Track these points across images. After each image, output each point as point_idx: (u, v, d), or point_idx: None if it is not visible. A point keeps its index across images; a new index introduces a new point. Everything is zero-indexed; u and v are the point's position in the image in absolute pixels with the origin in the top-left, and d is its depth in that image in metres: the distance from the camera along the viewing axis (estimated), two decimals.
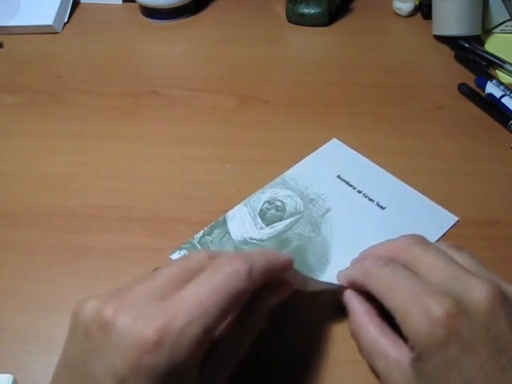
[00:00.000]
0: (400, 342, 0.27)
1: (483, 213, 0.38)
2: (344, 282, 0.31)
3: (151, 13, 0.61)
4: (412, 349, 0.25)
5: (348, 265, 0.32)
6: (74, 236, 0.38)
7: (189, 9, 0.61)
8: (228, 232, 0.37)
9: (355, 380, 0.30)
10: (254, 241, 0.37)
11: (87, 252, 0.37)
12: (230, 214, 0.38)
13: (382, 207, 0.38)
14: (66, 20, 0.61)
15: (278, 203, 0.39)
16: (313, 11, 0.58)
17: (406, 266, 0.28)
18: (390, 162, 0.42)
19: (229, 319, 0.27)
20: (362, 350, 0.29)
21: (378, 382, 0.28)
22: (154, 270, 0.28)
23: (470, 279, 0.25)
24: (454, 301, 0.24)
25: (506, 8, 0.55)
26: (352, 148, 0.43)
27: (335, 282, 0.32)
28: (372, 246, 0.32)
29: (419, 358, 0.24)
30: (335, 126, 0.46)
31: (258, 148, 0.44)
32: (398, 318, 0.25)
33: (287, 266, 0.28)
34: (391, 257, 0.29)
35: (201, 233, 0.37)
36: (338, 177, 0.40)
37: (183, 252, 0.36)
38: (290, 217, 0.38)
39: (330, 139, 0.44)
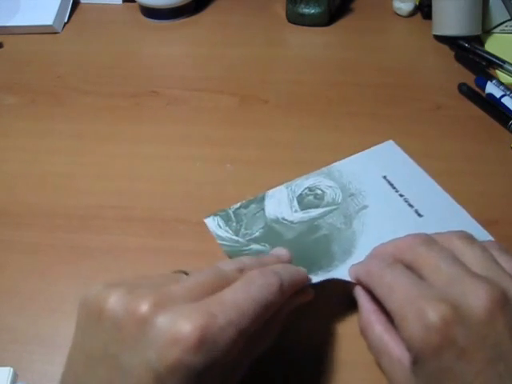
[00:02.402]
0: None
1: (483, 213, 0.38)
2: (353, 278, 0.31)
3: (151, 13, 0.61)
4: (409, 352, 0.25)
5: None
6: (74, 236, 0.38)
7: (189, 9, 0.61)
8: (263, 209, 0.38)
9: (360, 381, 0.30)
10: (286, 221, 0.37)
11: (87, 252, 0.37)
12: (269, 192, 0.39)
13: (419, 215, 0.37)
14: (65, 20, 0.61)
15: (318, 191, 0.39)
16: (313, 11, 0.58)
17: (411, 266, 0.27)
18: None
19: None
20: (369, 346, 0.29)
21: (384, 383, 0.28)
22: (175, 272, 0.28)
23: (470, 283, 0.25)
24: (451, 307, 0.23)
25: (506, 8, 0.55)
26: (406, 153, 0.42)
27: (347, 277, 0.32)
28: (382, 244, 0.31)
29: (416, 361, 0.24)
30: (335, 126, 0.46)
31: (258, 148, 0.44)
32: (396, 321, 0.25)
33: (305, 282, 0.30)
34: (396, 256, 0.29)
35: (238, 204, 0.39)
36: (384, 177, 0.40)
37: (217, 218, 0.38)
38: (326, 206, 0.38)
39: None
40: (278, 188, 0.40)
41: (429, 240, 0.28)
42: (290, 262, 0.31)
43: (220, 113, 0.48)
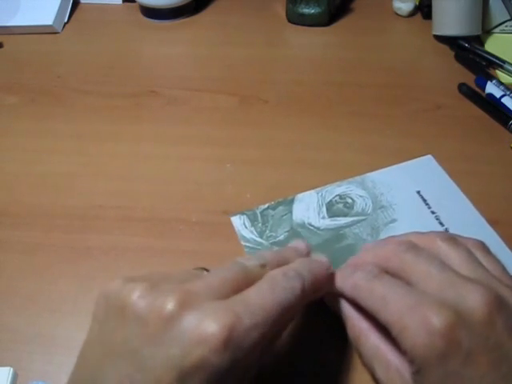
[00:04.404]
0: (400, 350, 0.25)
1: (483, 213, 0.38)
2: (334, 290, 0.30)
3: (151, 13, 0.61)
4: (411, 363, 0.24)
5: None
6: (74, 236, 0.38)
7: (189, 9, 0.61)
8: (291, 212, 0.38)
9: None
10: (312, 227, 0.37)
11: (87, 252, 0.37)
12: (299, 196, 0.39)
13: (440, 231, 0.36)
14: (65, 20, 0.61)
15: (349, 200, 0.39)
16: (313, 11, 0.57)
17: (397, 274, 0.27)
18: (389, 162, 0.42)
19: None
20: (362, 356, 0.28)
21: None
22: (196, 269, 0.28)
23: (465, 286, 0.24)
24: (452, 311, 0.23)
25: (506, 8, 0.55)
26: (444, 169, 0.41)
27: None
28: (360, 254, 0.30)
29: (419, 371, 0.23)
30: (335, 125, 0.46)
31: (258, 148, 0.44)
32: (395, 332, 0.24)
33: (326, 274, 0.28)
34: (381, 265, 0.28)
35: (266, 205, 0.39)
36: (418, 192, 0.39)
37: (243, 217, 0.38)
38: (355, 216, 0.38)
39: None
40: (308, 192, 0.39)
41: (413, 246, 0.28)
42: (308, 254, 0.30)
43: (220, 113, 0.48)
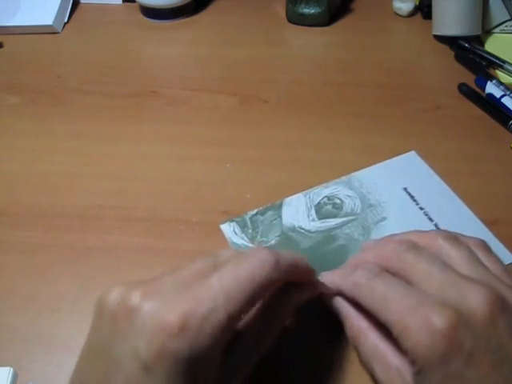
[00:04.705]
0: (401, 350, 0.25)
1: (483, 213, 0.38)
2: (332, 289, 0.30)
3: (151, 13, 0.61)
4: (413, 363, 0.24)
5: None
6: (74, 236, 0.38)
7: (189, 9, 0.61)
8: (280, 216, 0.38)
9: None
10: (302, 230, 0.37)
11: (87, 252, 0.37)
12: (287, 200, 0.39)
13: (439, 229, 0.36)
14: (65, 20, 0.61)
15: (337, 201, 0.39)
16: (313, 11, 0.58)
17: (398, 274, 0.27)
18: None
19: (253, 310, 0.27)
20: (361, 356, 0.28)
21: None
22: None
23: (466, 286, 0.24)
24: (454, 311, 0.23)
25: (506, 8, 0.55)
26: (427, 163, 0.41)
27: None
28: (360, 254, 0.30)
29: (420, 372, 0.23)
30: (335, 125, 0.46)
31: (258, 148, 0.44)
32: (396, 332, 0.24)
33: (310, 274, 0.28)
34: (381, 265, 0.28)
35: (255, 211, 0.38)
36: (405, 189, 0.39)
37: (233, 224, 0.37)
38: (345, 216, 0.38)
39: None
40: (296, 196, 0.39)
41: (414, 245, 0.27)
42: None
43: (220, 113, 0.48)
